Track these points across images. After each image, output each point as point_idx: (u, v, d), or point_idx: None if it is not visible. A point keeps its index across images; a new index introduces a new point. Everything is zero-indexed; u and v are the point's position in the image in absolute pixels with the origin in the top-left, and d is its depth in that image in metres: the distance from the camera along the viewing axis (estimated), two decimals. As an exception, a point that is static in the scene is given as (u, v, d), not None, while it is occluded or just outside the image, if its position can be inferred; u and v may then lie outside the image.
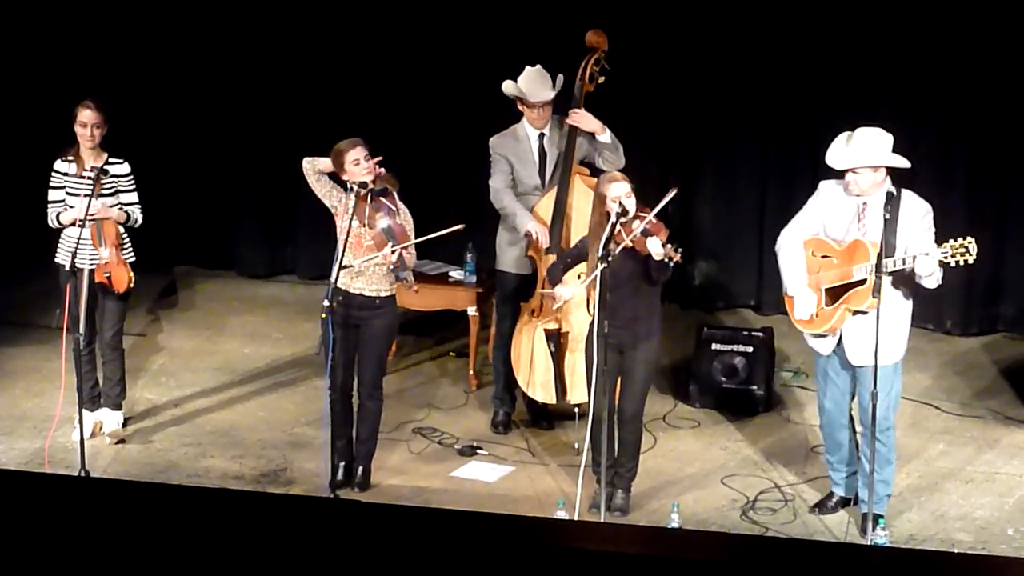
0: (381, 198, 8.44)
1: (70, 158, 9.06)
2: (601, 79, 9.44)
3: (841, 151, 8.07)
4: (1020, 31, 10.62)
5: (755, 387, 9.88)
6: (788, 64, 11.17)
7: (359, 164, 8.45)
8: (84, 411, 8.92)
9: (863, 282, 7.98)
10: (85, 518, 4.99)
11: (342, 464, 8.76)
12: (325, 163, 8.58)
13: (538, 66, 9.36)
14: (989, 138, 10.90)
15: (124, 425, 9.46)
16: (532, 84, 9.34)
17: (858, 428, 8.44)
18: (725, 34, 11.25)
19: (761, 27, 11.15)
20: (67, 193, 9.05)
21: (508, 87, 9.39)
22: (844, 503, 8.53)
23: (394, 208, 8.44)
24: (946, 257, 7.83)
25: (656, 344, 8.47)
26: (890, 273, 7.91)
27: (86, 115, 8.99)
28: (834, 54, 11.03)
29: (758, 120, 11.42)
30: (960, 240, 7.81)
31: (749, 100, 11.36)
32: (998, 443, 9.47)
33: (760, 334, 10.10)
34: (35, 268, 11.04)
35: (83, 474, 8.61)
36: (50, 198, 9.10)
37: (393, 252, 8.34)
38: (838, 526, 8.37)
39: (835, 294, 8.11)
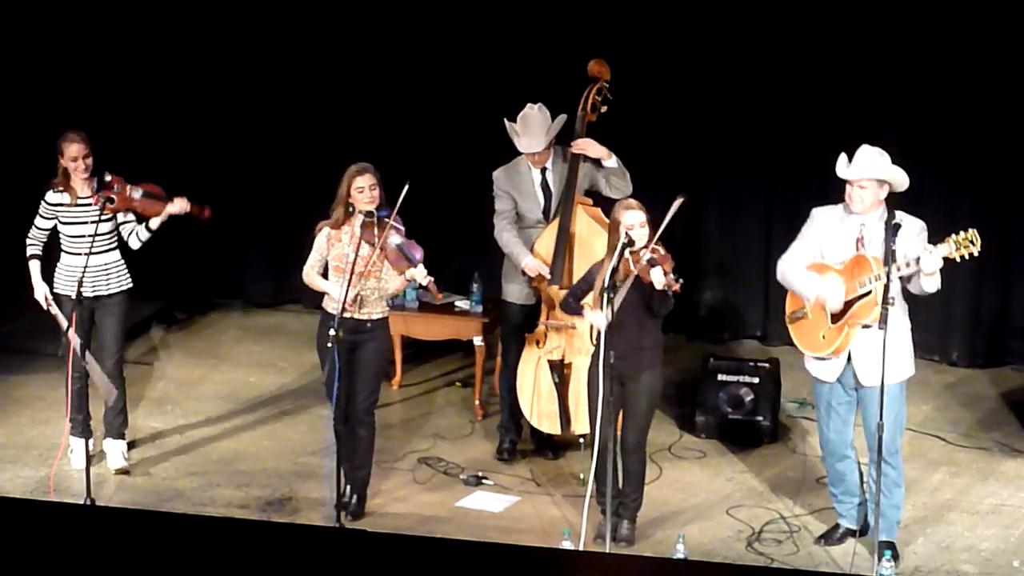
0: (387, 219, 8.46)
1: (61, 188, 9.11)
2: (603, 108, 9.43)
3: (847, 165, 8.11)
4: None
5: (761, 418, 9.88)
6: (794, 93, 11.19)
7: (363, 192, 8.48)
8: (76, 439, 8.95)
9: (868, 294, 7.98)
10: (90, 547, 4.98)
11: (348, 486, 8.77)
12: (313, 281, 8.66)
13: (539, 105, 9.29)
14: (996, 168, 10.90)
15: (128, 449, 9.47)
16: (526, 130, 9.25)
17: (864, 456, 8.43)
18: (731, 62, 11.27)
19: (766, 54, 11.17)
20: (61, 222, 9.10)
21: (509, 127, 9.36)
22: (850, 534, 8.51)
23: (400, 227, 8.46)
24: (951, 252, 7.83)
25: (658, 374, 8.46)
26: (891, 281, 7.88)
27: (74, 149, 9.04)
28: (840, 82, 11.04)
29: (764, 151, 11.43)
30: (963, 233, 7.81)
31: (754, 131, 11.37)
32: (1004, 475, 9.46)
33: (766, 365, 10.09)
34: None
35: (88, 503, 8.62)
36: (37, 224, 9.15)
37: (425, 277, 8.36)
38: (843, 557, 8.35)
39: (840, 313, 8.10)
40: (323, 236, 8.61)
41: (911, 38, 10.85)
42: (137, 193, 9.03)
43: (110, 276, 9.15)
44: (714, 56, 11.29)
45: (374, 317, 8.61)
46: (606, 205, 9.25)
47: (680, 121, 11.49)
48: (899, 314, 8.10)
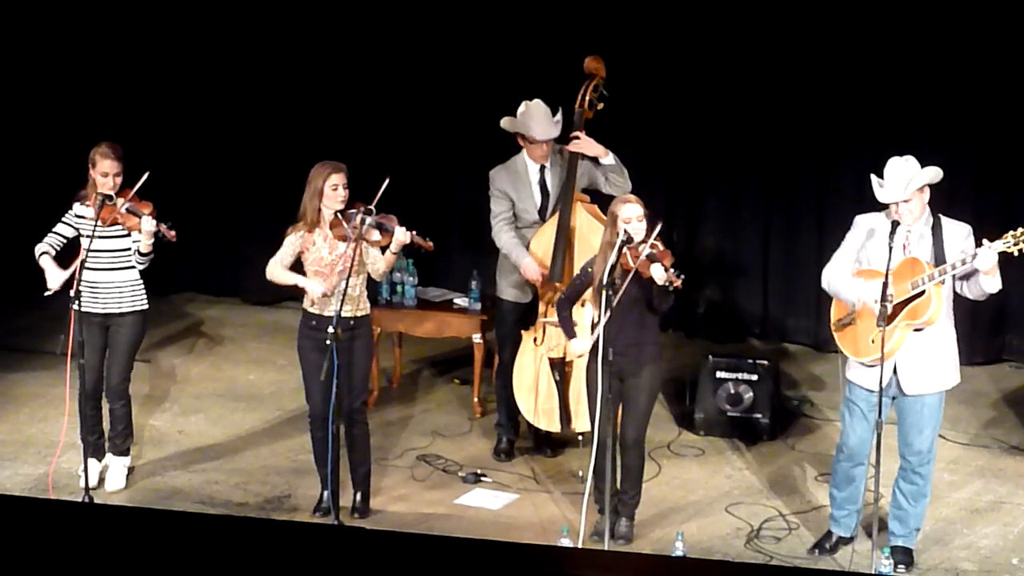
0: (356, 212, 8.44)
1: (88, 202, 8.85)
2: (600, 106, 9.41)
3: (888, 187, 7.97)
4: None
5: (760, 415, 9.87)
6: (794, 93, 11.19)
7: (336, 190, 8.46)
8: (90, 460, 8.86)
9: (921, 295, 7.86)
10: (89, 545, 4.98)
11: (326, 492, 8.67)
12: (280, 275, 8.65)
13: (537, 100, 9.31)
14: (994, 171, 10.90)
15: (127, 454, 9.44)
16: (536, 120, 9.26)
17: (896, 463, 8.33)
18: (731, 62, 11.27)
19: (767, 54, 11.18)
20: (83, 236, 8.87)
21: (508, 123, 9.35)
22: (843, 542, 8.41)
23: (364, 209, 8.40)
24: (1009, 247, 7.79)
25: (657, 370, 8.45)
26: (944, 279, 7.85)
27: (107, 165, 8.77)
28: (840, 82, 11.04)
29: (763, 150, 11.42)
30: (1020, 229, 7.79)
31: (754, 130, 11.37)
32: (1003, 472, 9.46)
33: (765, 362, 10.08)
34: (39, 295, 11.04)
35: (87, 500, 8.61)
36: (55, 229, 8.95)
37: (406, 234, 8.32)
38: (843, 554, 8.34)
39: (892, 315, 7.98)
40: (296, 236, 8.56)
41: (909, 36, 10.84)
42: (124, 207, 8.72)
43: (123, 294, 8.93)
44: (714, 56, 11.29)
45: (359, 314, 8.57)
46: (605, 203, 9.25)
47: (680, 120, 11.50)
48: (944, 322, 8.01)
